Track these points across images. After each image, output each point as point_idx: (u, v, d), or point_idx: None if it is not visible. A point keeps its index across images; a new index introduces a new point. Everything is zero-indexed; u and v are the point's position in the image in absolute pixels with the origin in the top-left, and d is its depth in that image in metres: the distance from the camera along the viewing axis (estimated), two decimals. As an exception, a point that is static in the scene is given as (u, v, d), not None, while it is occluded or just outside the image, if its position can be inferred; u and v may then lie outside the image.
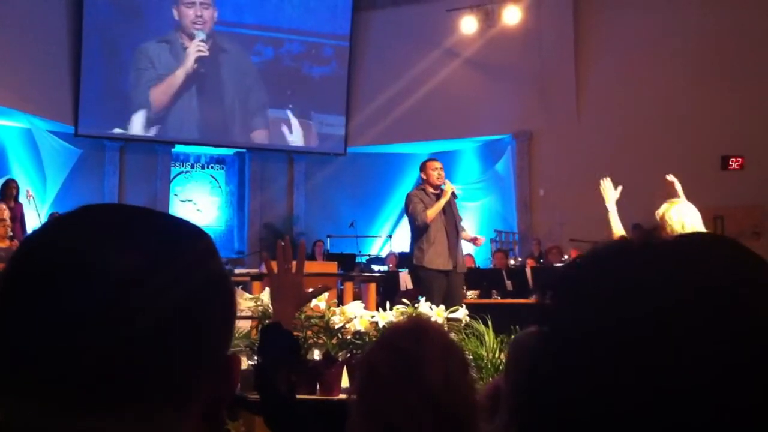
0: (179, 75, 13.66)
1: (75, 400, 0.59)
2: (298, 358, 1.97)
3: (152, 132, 13.74)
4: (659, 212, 4.27)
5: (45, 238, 0.65)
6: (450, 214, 6.38)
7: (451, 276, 6.27)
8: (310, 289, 2.05)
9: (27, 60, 11.95)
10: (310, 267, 7.62)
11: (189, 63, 13.68)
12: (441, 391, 1.44)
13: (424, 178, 6.49)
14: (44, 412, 0.59)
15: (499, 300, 8.71)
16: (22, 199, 10.38)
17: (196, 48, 13.67)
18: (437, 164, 6.53)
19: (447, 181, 6.45)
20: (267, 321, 1.84)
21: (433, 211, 6.23)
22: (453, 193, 6.40)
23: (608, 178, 5.14)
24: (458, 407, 1.46)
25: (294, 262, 1.97)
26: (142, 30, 13.44)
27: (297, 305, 1.98)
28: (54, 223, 0.66)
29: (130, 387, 0.60)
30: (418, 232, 6.31)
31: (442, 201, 6.27)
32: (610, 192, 5.10)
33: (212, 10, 13.90)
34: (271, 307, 3.88)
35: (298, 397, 3.97)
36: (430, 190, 6.42)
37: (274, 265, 1.97)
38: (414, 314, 3.98)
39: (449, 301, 5.43)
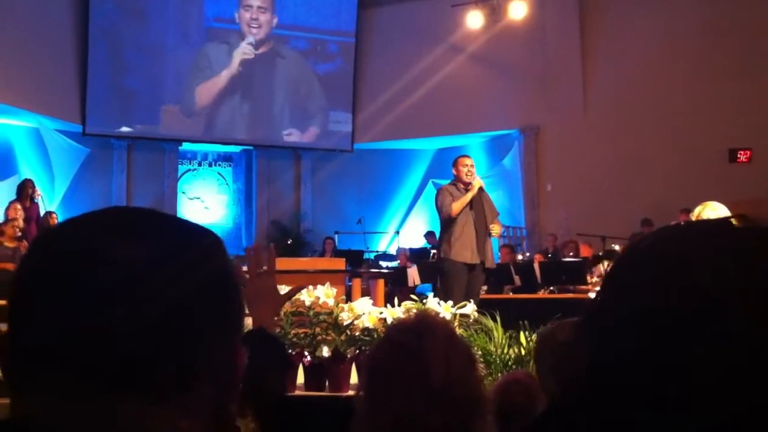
0: (224, 76, 13.88)
1: (78, 392, 0.60)
2: (285, 360, 1.97)
3: (195, 129, 13.88)
4: (694, 213, 4.35)
5: (55, 237, 0.67)
6: (479, 208, 6.41)
7: (474, 271, 6.29)
8: (285, 290, 2.05)
9: (34, 60, 11.97)
10: (319, 263, 7.65)
11: (234, 65, 13.89)
12: (445, 384, 1.44)
13: (455, 173, 6.55)
14: (48, 406, 0.61)
15: (510, 296, 8.70)
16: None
17: (242, 51, 13.84)
18: (468, 161, 6.58)
19: (477, 177, 6.51)
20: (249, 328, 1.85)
21: (458, 205, 6.29)
22: (481, 188, 6.45)
23: None
24: (465, 400, 1.46)
25: (265, 267, 1.96)
26: (147, 29, 13.46)
27: (275, 308, 1.98)
28: (64, 223, 0.68)
29: (130, 379, 0.61)
30: (445, 225, 6.38)
31: (469, 195, 6.33)
32: None
33: (269, 15, 14.09)
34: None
35: (306, 393, 3.98)
36: (461, 185, 6.47)
37: (246, 271, 1.95)
38: (420, 310, 3.98)
39: (467, 296, 5.44)
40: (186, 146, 14.30)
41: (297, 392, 4.04)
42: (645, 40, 12.69)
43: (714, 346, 0.52)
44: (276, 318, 2.07)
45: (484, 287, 8.32)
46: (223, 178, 15.01)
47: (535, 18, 13.11)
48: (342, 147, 14.90)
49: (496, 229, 6.53)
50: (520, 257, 11.50)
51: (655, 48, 12.59)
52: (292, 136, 14.61)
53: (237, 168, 15.07)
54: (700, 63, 12.24)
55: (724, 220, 0.61)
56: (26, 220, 9.59)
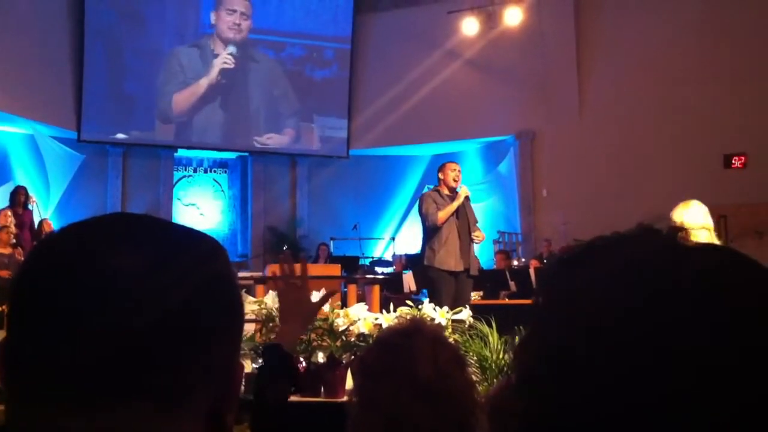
0: (203, 84, 13.83)
1: (73, 399, 0.60)
2: (294, 380, 1.93)
3: (170, 135, 13.82)
4: (676, 215, 4.47)
5: (53, 243, 0.67)
6: (463, 216, 6.40)
7: (460, 278, 6.28)
8: (316, 298, 2.03)
9: (29, 67, 11.97)
10: (314, 270, 7.64)
11: (213, 73, 13.85)
12: (433, 381, 1.45)
13: (441, 177, 6.52)
14: (43, 412, 0.61)
15: (506, 301, 8.69)
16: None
17: (222, 60, 13.82)
18: (456, 166, 6.59)
19: (463, 186, 6.49)
20: (271, 338, 1.82)
21: (444, 214, 6.26)
22: (467, 197, 6.43)
23: None
24: (454, 398, 1.47)
25: (297, 276, 1.94)
26: (144, 34, 13.47)
27: (305, 322, 1.94)
28: (63, 230, 0.68)
29: (128, 384, 0.61)
30: (430, 232, 6.34)
31: (455, 204, 6.30)
32: None
33: (249, 22, 14.08)
34: (274, 310, 3.89)
35: (301, 399, 3.98)
36: (445, 191, 6.45)
37: (279, 281, 1.92)
38: (414, 316, 3.98)
39: (456, 302, 5.43)
40: (181, 152, 14.30)
41: (292, 398, 4.03)
42: (641, 46, 12.72)
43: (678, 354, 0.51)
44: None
45: (480, 292, 8.32)
46: (219, 184, 15.00)
47: (531, 24, 13.14)
48: (338, 153, 14.91)
49: (480, 236, 6.52)
50: (515, 263, 11.50)
51: (651, 54, 12.63)
52: (287, 141, 14.62)
53: (232, 174, 15.06)
54: (695, 69, 12.27)
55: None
56: (20, 226, 9.55)
